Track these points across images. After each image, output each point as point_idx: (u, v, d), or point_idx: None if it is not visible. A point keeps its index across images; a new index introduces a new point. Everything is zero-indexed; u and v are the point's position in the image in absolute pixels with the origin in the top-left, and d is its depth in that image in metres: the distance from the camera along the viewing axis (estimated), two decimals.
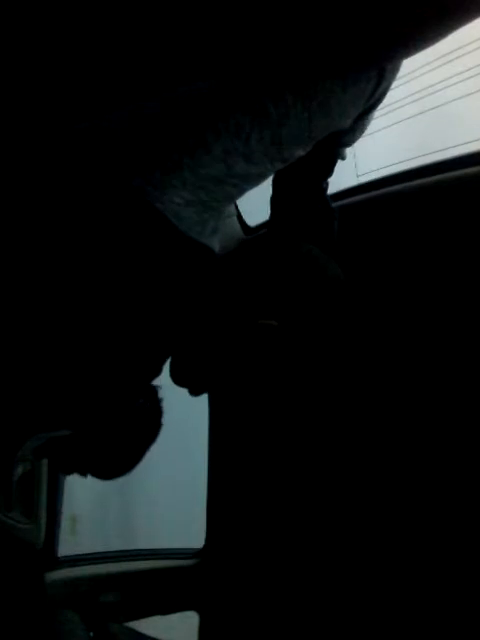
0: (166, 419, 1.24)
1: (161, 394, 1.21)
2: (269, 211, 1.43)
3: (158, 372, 1.15)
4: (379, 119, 1.33)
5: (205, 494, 2.16)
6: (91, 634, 1.84)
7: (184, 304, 1.09)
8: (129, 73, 1.01)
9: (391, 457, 1.66)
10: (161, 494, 3.45)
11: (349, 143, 1.28)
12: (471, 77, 2.26)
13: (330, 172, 1.35)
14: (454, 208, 1.50)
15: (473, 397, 1.48)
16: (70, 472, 1.30)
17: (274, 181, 1.34)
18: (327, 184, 1.40)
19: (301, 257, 1.22)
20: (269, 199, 1.40)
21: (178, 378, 1.15)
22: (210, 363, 1.14)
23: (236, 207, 1.92)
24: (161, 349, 1.12)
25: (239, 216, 1.95)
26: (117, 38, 0.92)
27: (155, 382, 1.18)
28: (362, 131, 1.26)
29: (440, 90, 2.34)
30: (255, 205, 1.56)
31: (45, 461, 1.91)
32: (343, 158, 1.34)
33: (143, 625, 2.03)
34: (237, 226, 1.95)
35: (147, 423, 1.21)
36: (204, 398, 2.00)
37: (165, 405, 1.22)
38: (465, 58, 2.22)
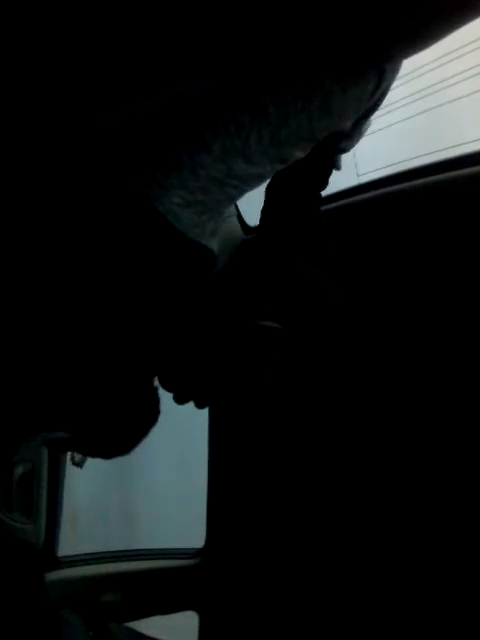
0: (166, 419, 1.23)
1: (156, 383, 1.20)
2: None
3: (154, 374, 1.15)
4: (379, 119, 1.33)
5: (205, 494, 2.16)
6: (91, 634, 1.84)
7: (182, 305, 1.09)
8: (128, 73, 1.01)
9: (391, 456, 1.66)
10: (161, 494, 3.45)
11: (346, 149, 1.27)
12: (471, 77, 2.26)
13: (325, 183, 1.34)
14: (454, 208, 1.50)
15: (475, 400, 1.48)
16: (68, 450, 1.29)
17: (267, 191, 1.33)
18: (320, 198, 1.38)
19: (295, 277, 1.22)
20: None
21: (166, 382, 1.15)
22: (201, 368, 1.14)
23: (236, 207, 1.92)
24: (158, 350, 1.12)
25: (239, 216, 1.95)
26: (116, 38, 0.92)
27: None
28: (359, 136, 1.26)
29: (440, 90, 2.34)
30: (255, 205, 1.55)
31: (45, 461, 1.92)
32: (338, 168, 1.32)
33: (143, 625, 2.03)
34: (237, 226, 1.95)
35: (146, 407, 1.20)
36: None
37: (165, 403, 1.22)
38: (465, 58, 2.22)
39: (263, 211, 1.36)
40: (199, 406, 1.19)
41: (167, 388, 1.15)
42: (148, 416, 1.18)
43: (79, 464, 1.27)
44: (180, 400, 1.16)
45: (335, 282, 1.31)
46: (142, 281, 1.04)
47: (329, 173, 1.32)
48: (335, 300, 1.28)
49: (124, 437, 1.17)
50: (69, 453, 1.31)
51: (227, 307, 1.17)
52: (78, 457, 1.27)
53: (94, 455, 1.24)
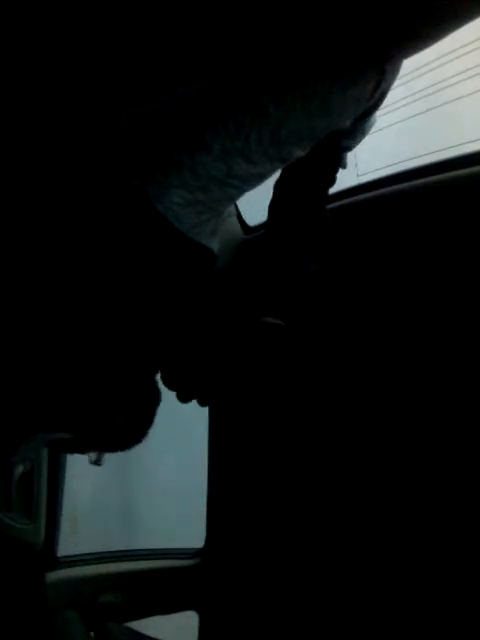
0: (167, 419, 1.23)
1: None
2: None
3: (155, 372, 1.15)
4: (379, 119, 1.33)
5: (205, 494, 2.16)
6: (91, 634, 1.84)
7: (182, 304, 1.09)
8: (129, 74, 1.01)
9: (391, 455, 1.66)
10: (161, 494, 3.46)
11: (350, 147, 1.27)
12: (471, 77, 2.26)
13: (332, 180, 1.34)
14: (454, 208, 1.50)
15: (475, 400, 1.48)
16: (69, 451, 1.29)
17: (275, 188, 1.33)
18: (327, 196, 1.38)
19: (300, 275, 1.22)
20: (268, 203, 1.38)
21: (168, 381, 1.15)
22: (203, 366, 1.14)
23: (236, 207, 1.92)
24: (158, 349, 1.12)
25: (239, 216, 1.95)
26: (117, 39, 0.92)
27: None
28: (363, 135, 1.26)
29: (440, 90, 2.34)
30: (255, 205, 1.55)
31: (45, 461, 1.92)
32: (344, 166, 1.32)
33: (143, 625, 2.03)
34: (237, 226, 1.95)
35: (146, 404, 1.20)
36: None
37: (166, 403, 1.22)
38: (465, 58, 2.22)
39: (270, 207, 1.36)
40: (202, 404, 1.19)
41: (170, 387, 1.15)
42: (148, 414, 1.18)
43: (97, 462, 1.26)
44: (183, 399, 1.16)
45: (337, 280, 1.31)
46: (142, 280, 1.04)
47: (336, 171, 1.32)
48: (337, 298, 1.28)
49: (126, 432, 1.17)
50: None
51: (230, 304, 1.17)
52: (95, 455, 1.26)
53: (97, 450, 1.24)
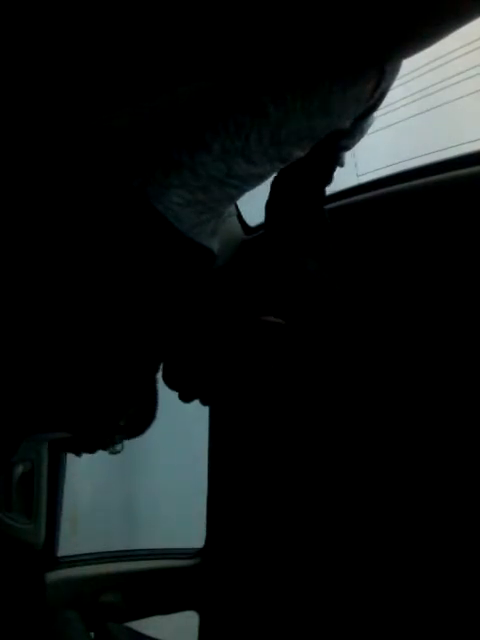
0: (167, 419, 1.23)
1: None
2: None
3: (155, 371, 1.15)
4: (379, 119, 1.33)
5: (205, 494, 2.16)
6: (91, 634, 1.84)
7: (182, 304, 1.09)
8: (129, 74, 1.01)
9: (391, 456, 1.66)
10: (162, 494, 3.45)
11: (348, 147, 1.28)
12: (471, 77, 2.25)
13: (329, 179, 1.34)
14: (454, 208, 1.50)
15: (474, 400, 1.48)
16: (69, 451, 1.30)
17: (272, 186, 1.33)
18: (325, 194, 1.39)
19: (299, 274, 1.22)
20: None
21: (170, 381, 1.15)
22: (204, 366, 1.14)
23: (236, 207, 1.92)
24: (158, 348, 1.12)
25: (239, 216, 1.95)
26: (117, 39, 0.92)
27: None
28: (362, 135, 1.26)
29: (440, 90, 2.34)
30: (255, 205, 1.55)
31: (45, 460, 1.92)
32: (342, 165, 1.33)
33: (143, 625, 2.03)
34: (237, 226, 1.95)
35: (146, 397, 1.20)
36: None
37: (166, 403, 1.22)
38: (465, 58, 2.22)
39: (268, 206, 1.36)
40: (204, 403, 1.19)
41: (172, 386, 1.16)
42: (148, 414, 1.19)
43: (116, 451, 1.27)
44: (185, 398, 1.16)
45: (337, 280, 1.31)
46: (142, 280, 1.05)
47: (333, 169, 1.33)
48: (337, 297, 1.28)
49: (126, 431, 1.17)
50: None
51: (230, 303, 1.17)
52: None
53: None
